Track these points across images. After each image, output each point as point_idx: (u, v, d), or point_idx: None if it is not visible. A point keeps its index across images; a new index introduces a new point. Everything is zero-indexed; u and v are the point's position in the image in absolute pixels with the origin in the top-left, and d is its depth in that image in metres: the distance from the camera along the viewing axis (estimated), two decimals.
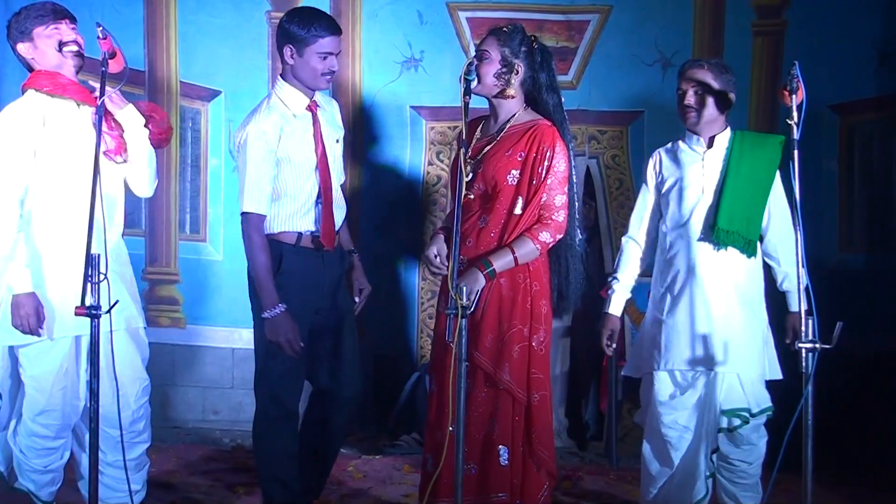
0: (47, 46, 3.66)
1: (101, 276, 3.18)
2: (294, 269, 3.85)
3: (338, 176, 4.01)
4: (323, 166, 3.88)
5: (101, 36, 3.34)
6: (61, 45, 3.53)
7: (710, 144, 3.95)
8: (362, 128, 5.98)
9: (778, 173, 3.92)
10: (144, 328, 3.96)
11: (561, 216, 3.68)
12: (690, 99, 3.88)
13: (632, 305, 5.44)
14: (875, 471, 5.25)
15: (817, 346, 3.20)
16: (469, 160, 3.69)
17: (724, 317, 3.85)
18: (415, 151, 6.02)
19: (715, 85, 3.88)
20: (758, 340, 3.90)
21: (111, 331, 3.47)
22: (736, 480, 3.95)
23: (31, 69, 3.73)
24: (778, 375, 3.94)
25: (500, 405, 3.69)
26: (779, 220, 3.91)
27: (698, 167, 3.94)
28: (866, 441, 5.40)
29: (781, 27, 5.81)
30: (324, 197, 3.87)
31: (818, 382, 3.29)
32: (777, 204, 3.91)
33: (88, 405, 3.59)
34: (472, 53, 5.74)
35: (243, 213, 3.82)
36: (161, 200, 5.91)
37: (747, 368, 3.86)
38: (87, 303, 3.15)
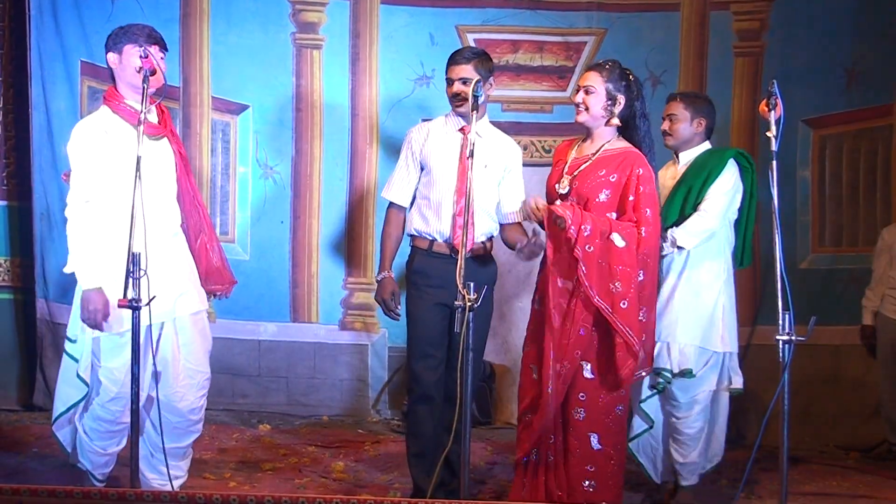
0: (129, 65, 3.72)
1: (142, 273, 3.30)
2: (424, 269, 4.11)
3: (481, 196, 4.10)
4: (461, 180, 4.04)
5: (142, 55, 3.51)
6: (146, 73, 3.49)
7: (679, 159, 4.47)
8: (379, 139, 6.10)
9: (719, 181, 4.21)
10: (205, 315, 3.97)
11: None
12: (665, 125, 4.43)
13: None
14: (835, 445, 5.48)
15: (793, 338, 3.27)
16: (566, 174, 3.92)
17: (668, 298, 4.24)
18: None
19: (685, 114, 4.36)
20: (700, 315, 4.23)
21: (175, 318, 3.66)
22: (676, 436, 4.32)
23: (113, 78, 3.83)
24: (716, 348, 4.25)
25: None
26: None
27: (671, 179, 4.41)
28: (827, 422, 5.62)
29: (760, 49, 5.96)
30: (459, 207, 4.04)
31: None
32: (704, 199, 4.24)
33: (153, 395, 3.70)
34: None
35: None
36: None
37: (673, 338, 4.22)
38: (129, 296, 3.29)
